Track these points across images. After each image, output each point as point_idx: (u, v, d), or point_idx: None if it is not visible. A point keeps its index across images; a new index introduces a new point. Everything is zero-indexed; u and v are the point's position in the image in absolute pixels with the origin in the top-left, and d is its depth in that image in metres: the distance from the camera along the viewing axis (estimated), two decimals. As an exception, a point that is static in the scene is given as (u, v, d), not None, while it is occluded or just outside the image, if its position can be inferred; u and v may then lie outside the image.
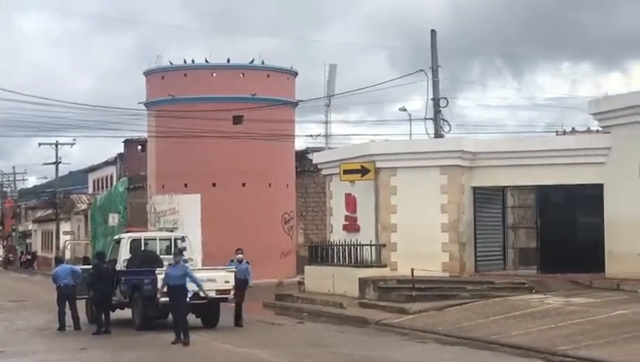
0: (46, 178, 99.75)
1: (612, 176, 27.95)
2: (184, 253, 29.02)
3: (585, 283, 27.10)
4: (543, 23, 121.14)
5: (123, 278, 25.27)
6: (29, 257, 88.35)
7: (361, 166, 30.75)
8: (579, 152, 29.02)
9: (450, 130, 35.30)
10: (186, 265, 22.85)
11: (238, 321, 25.53)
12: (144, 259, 26.61)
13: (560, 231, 29.52)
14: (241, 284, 25.63)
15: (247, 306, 30.08)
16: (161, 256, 27.29)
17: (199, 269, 27.76)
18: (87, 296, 25.41)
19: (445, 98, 35.15)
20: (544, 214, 30.43)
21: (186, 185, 43.93)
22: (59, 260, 27.18)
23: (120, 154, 72.96)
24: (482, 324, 22.16)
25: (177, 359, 18.84)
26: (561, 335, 19.28)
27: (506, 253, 32.39)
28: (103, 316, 23.95)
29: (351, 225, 32.02)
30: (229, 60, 45.68)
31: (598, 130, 31.67)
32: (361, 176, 30.75)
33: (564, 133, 50.96)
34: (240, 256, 26.30)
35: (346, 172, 31.29)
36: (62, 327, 24.58)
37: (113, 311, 24.81)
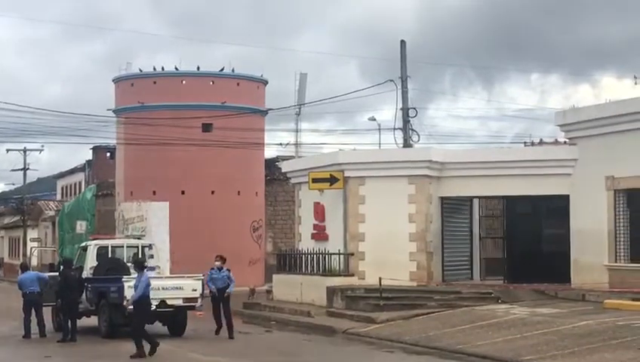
0: (14, 184, 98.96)
1: (578, 187, 28.15)
2: (150, 260, 29.02)
3: (551, 293, 27.30)
4: (512, 35, 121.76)
5: (89, 285, 25.13)
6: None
7: (330, 175, 30.82)
8: (546, 163, 29.23)
9: (419, 140, 35.40)
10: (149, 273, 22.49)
11: (230, 333, 24.68)
12: (111, 266, 26.52)
13: (527, 241, 29.75)
14: (221, 292, 25.21)
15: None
16: (128, 264, 27.19)
17: (167, 277, 27.74)
18: (53, 304, 25.26)
19: (414, 108, 35.25)
20: (511, 224, 30.64)
21: (154, 192, 43.82)
22: (25, 267, 26.98)
23: (88, 161, 72.63)
24: (449, 334, 22.26)
25: (144, 367, 18.80)
26: (526, 345, 19.41)
27: (473, 262, 32.56)
28: (69, 324, 23.77)
29: (319, 234, 32.06)
30: (198, 68, 45.67)
31: (565, 142, 31.90)
32: (330, 185, 30.83)
33: (532, 144, 51.31)
34: (218, 263, 25.90)
35: (314, 180, 31.35)
36: (27, 335, 24.43)
37: (79, 319, 24.66)
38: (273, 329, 27.11)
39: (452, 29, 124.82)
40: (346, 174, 30.55)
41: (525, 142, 53.84)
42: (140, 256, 28.73)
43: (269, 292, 34.67)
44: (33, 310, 24.83)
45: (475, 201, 32.66)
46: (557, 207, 29.23)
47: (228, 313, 25.02)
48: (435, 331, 22.87)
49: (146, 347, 20.12)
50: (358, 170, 30.55)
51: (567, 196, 28.51)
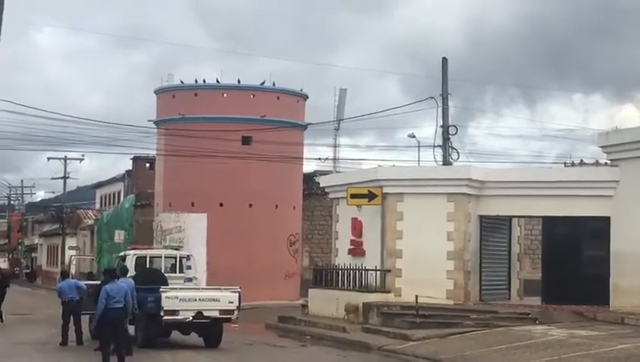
0: (54, 193, 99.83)
1: (619, 209, 27.89)
2: (188, 271, 29.13)
3: (589, 315, 27.00)
4: (555, 53, 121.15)
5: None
6: (28, 271, 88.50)
7: (369, 191, 30.75)
8: (586, 184, 28.95)
9: (458, 157, 35.31)
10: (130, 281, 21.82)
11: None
12: (149, 276, 26.60)
13: (565, 262, 29.40)
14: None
15: (250, 327, 30.11)
16: (166, 274, 27.31)
17: (203, 289, 27.80)
18: (92, 312, 25.21)
19: (455, 126, 35.17)
20: (550, 245, 30.34)
21: (193, 204, 43.97)
22: (64, 274, 27.15)
23: (128, 171, 73.10)
24: (485, 354, 22.10)
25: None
26: (563, 367, 19.21)
27: (511, 282, 32.36)
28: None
29: (356, 250, 31.99)
30: (239, 81, 45.82)
31: (606, 163, 31.63)
32: (368, 201, 30.76)
33: (572, 164, 51.00)
34: None
35: (353, 196, 31.29)
36: (64, 342, 24.56)
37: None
38: (308, 344, 27.06)
39: (494, 46, 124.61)
40: (385, 190, 30.48)
41: (565, 163, 53.52)
42: (177, 266, 28.90)
43: (304, 306, 34.64)
44: (71, 317, 24.96)
45: (514, 221, 32.46)
46: (597, 229, 28.92)
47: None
48: (471, 350, 22.71)
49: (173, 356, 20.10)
50: (396, 186, 30.47)
51: (608, 218, 28.22)
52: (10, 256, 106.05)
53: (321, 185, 37.61)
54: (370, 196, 30.66)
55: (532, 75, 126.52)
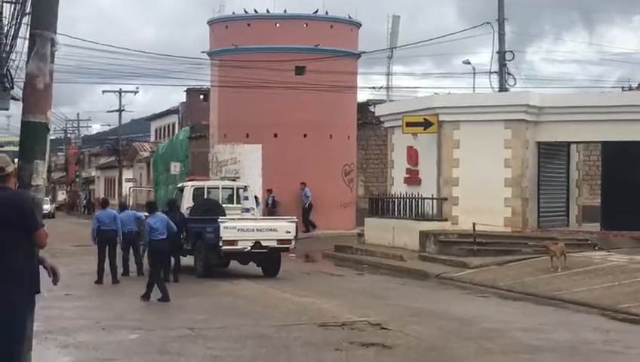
0: (109, 125, 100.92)
1: (680, 133, 27.41)
2: (244, 202, 29.26)
3: (649, 241, 26.78)
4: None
5: (187, 226, 25.35)
6: (85, 203, 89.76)
7: (424, 119, 30.55)
8: (646, 108, 28.51)
9: (515, 83, 34.92)
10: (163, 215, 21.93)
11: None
12: (207, 207, 26.79)
13: (625, 188, 29.04)
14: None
15: (306, 256, 30.30)
16: (224, 205, 27.46)
17: (261, 219, 27.95)
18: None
19: (511, 51, 34.74)
20: (609, 171, 29.99)
21: (247, 135, 44.01)
22: (123, 206, 27.32)
23: (182, 103, 73.32)
24: (544, 280, 22.02)
25: (238, 306, 18.98)
26: (624, 293, 19.09)
27: (570, 209, 32.11)
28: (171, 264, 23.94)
29: (412, 178, 31.90)
30: (285, 11, 45.45)
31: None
32: (424, 129, 30.57)
33: (630, 88, 50.23)
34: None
35: (408, 125, 31.09)
36: (126, 272, 24.87)
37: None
38: (365, 273, 27.17)
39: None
40: (441, 118, 30.26)
41: (623, 87, 52.73)
42: (234, 197, 29.04)
43: (360, 235, 34.76)
44: (131, 248, 25.20)
45: (573, 147, 32.12)
46: (658, 154, 28.52)
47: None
48: (529, 277, 22.64)
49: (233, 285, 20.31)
50: (452, 113, 30.23)
51: (669, 143, 27.82)
52: (68, 189, 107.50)
53: (375, 114, 37.48)
54: (426, 124, 30.46)
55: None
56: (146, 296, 19.53)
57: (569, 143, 31.42)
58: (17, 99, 21.78)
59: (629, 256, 24.38)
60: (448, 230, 29.27)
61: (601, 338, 14.34)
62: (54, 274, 7.85)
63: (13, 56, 22.70)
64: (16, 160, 8.62)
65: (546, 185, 30.46)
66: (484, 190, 29.06)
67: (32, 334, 7.84)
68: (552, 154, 31.04)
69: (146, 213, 21.34)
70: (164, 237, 20.25)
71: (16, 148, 11.09)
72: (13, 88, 23.44)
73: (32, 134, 8.13)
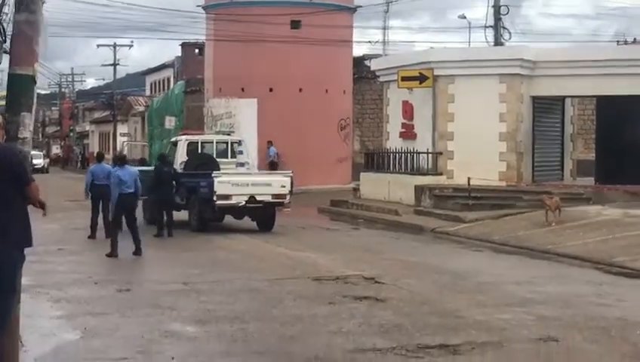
0: (104, 80, 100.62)
1: (676, 87, 27.31)
2: (239, 156, 29.20)
3: (644, 195, 26.81)
4: None
5: (180, 180, 25.25)
6: (79, 157, 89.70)
7: (420, 73, 30.42)
8: (641, 62, 28.40)
9: (510, 38, 34.82)
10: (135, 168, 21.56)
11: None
12: (201, 161, 26.71)
13: (620, 142, 29.01)
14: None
15: (302, 211, 30.30)
16: (218, 160, 27.40)
17: (256, 173, 27.89)
18: (146, 197, 25.14)
19: (506, 5, 34.58)
20: (604, 125, 29.98)
21: (243, 89, 43.79)
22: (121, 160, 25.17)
23: (177, 57, 73.00)
24: (538, 234, 22.06)
25: (232, 260, 19.01)
26: (618, 246, 19.13)
27: (564, 163, 32.12)
28: (164, 218, 23.89)
29: (408, 133, 31.84)
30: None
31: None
32: (420, 83, 30.45)
33: (625, 42, 50.04)
34: None
35: (404, 79, 30.98)
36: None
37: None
38: (360, 227, 27.19)
39: None
40: (436, 73, 30.12)
41: (618, 41, 52.51)
42: (229, 151, 28.96)
43: (355, 190, 34.76)
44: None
45: (568, 101, 32.05)
46: (653, 108, 28.46)
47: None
48: (524, 231, 22.69)
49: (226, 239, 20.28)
50: (448, 68, 30.10)
51: (665, 96, 27.75)
52: (62, 143, 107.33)
53: (371, 69, 37.30)
54: (422, 78, 30.34)
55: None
56: (112, 253, 19.16)
57: (564, 97, 31.34)
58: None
59: (623, 209, 24.40)
60: (443, 184, 29.27)
61: (594, 291, 14.38)
62: (42, 208, 7.80)
63: (6, 9, 22.52)
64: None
65: (540, 139, 30.42)
66: (479, 144, 29.00)
67: (20, 288, 7.82)
68: (546, 108, 30.98)
69: (116, 166, 20.76)
70: (132, 191, 19.76)
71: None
72: (5, 42, 23.27)
73: (19, 86, 8.07)
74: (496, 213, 25.72)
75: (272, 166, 39.94)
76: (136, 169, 21.24)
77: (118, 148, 66.88)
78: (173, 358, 9.85)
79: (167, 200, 24.05)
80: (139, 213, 23.54)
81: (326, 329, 11.31)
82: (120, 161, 20.62)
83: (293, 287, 14.75)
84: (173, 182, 24.40)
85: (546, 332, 10.91)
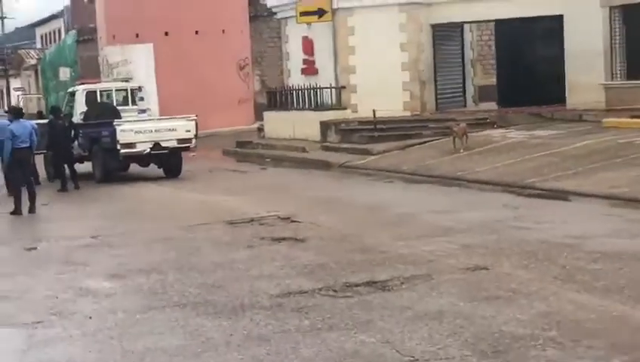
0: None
1: (572, 6, 27.44)
2: (140, 103, 28.61)
3: (547, 115, 27.10)
4: None
5: (81, 131, 24.55)
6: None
7: (318, 8, 30.03)
8: (538, -16, 28.48)
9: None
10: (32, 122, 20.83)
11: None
12: (101, 111, 26.07)
13: (520, 64, 29.29)
14: None
15: (207, 155, 29.91)
16: (119, 108, 26.78)
17: (159, 119, 27.38)
18: (44, 151, 24.39)
19: None
20: (503, 49, 30.23)
21: (137, 35, 42.83)
22: (16, 113, 24.29)
23: (66, 7, 71.09)
24: (446, 161, 22.09)
25: (142, 210, 18.63)
26: (527, 169, 19.24)
27: (466, 90, 32.26)
28: (66, 172, 23.25)
29: (309, 69, 31.50)
30: None
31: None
32: (319, 18, 30.08)
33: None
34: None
35: (302, 14, 30.54)
36: (37, 181, 23.95)
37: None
38: (268, 167, 26.91)
39: None
40: (335, 6, 29.77)
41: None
42: (129, 98, 28.33)
43: (260, 130, 34.43)
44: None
45: (466, 27, 32.09)
46: (550, 28, 28.63)
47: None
48: (432, 160, 22.69)
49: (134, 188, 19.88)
50: (346, 0, 29.77)
51: (561, 16, 27.90)
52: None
53: (268, 6, 36.70)
54: (320, 12, 29.97)
55: None
56: (16, 210, 18.61)
57: (462, 24, 31.34)
58: None
59: (528, 131, 24.60)
60: (349, 118, 29.10)
61: (512, 215, 14.37)
62: None
63: None
64: None
65: (442, 67, 30.45)
66: (382, 76, 28.84)
67: None
68: (445, 35, 30.97)
69: (9, 119, 20.02)
70: (27, 145, 18.97)
71: None
72: None
73: None
74: (403, 144, 25.65)
75: None
76: (32, 122, 20.52)
77: (12, 103, 65.16)
78: (90, 317, 9.47)
79: (65, 153, 23.36)
80: (42, 170, 22.97)
81: (247, 274, 11.05)
82: (15, 114, 19.82)
83: (208, 233, 14.44)
84: (72, 134, 23.70)
85: (474, 261, 10.80)
